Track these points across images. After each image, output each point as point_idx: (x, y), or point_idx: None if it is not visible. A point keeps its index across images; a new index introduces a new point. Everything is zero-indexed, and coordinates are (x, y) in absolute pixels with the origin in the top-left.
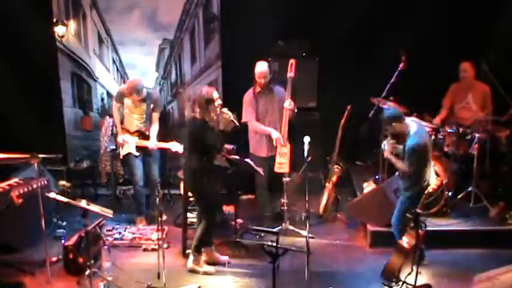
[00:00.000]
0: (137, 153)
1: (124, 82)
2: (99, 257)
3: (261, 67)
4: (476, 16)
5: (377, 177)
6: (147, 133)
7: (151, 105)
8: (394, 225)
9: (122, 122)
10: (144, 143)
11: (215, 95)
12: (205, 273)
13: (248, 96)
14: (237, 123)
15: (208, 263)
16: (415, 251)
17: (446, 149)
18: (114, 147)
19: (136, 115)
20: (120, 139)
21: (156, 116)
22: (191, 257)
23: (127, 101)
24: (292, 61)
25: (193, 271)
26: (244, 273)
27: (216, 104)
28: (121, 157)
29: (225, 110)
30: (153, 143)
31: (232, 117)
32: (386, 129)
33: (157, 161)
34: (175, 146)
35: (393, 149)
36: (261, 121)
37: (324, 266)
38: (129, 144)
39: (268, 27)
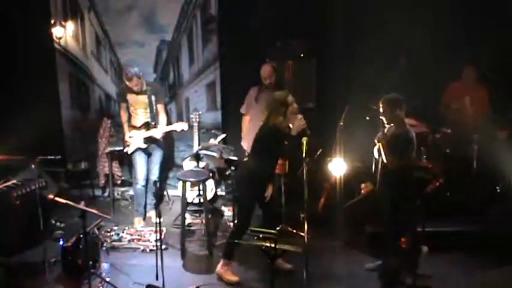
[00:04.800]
0: (144, 145)
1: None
2: (97, 258)
3: (265, 68)
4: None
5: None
6: (153, 123)
7: (153, 97)
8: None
9: (128, 121)
10: (151, 132)
11: (289, 99)
12: (229, 282)
13: (252, 91)
14: (308, 132)
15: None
16: (413, 251)
17: (443, 149)
18: (112, 148)
19: (141, 110)
20: (127, 137)
21: (161, 107)
22: (221, 261)
23: (130, 97)
24: (290, 62)
25: (219, 277)
26: (242, 275)
27: (290, 108)
28: (129, 153)
29: (300, 116)
30: (159, 131)
31: (305, 126)
32: (384, 115)
33: (159, 160)
34: (180, 126)
35: (385, 137)
36: (255, 119)
37: (322, 267)
38: (136, 139)
39: (266, 28)
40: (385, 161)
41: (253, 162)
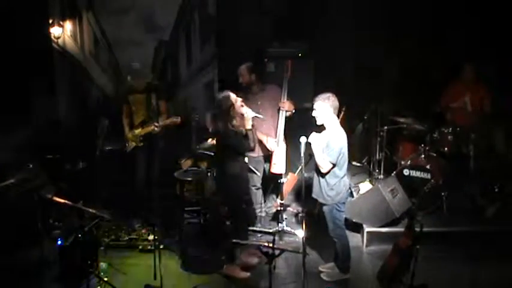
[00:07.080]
0: (141, 143)
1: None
2: (95, 257)
3: (240, 67)
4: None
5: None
6: (153, 121)
7: (153, 95)
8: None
9: (128, 119)
10: (149, 129)
11: (233, 97)
12: (241, 278)
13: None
14: (261, 116)
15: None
16: (412, 251)
17: (442, 149)
18: (111, 147)
19: (140, 108)
20: (126, 135)
21: (162, 104)
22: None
23: (131, 98)
24: (288, 62)
25: (229, 276)
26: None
27: (237, 106)
28: (127, 152)
29: (244, 109)
30: (158, 126)
31: (252, 115)
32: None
33: (158, 159)
34: (174, 120)
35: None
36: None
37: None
38: (135, 137)
39: (264, 28)
40: (317, 163)
41: (225, 163)
